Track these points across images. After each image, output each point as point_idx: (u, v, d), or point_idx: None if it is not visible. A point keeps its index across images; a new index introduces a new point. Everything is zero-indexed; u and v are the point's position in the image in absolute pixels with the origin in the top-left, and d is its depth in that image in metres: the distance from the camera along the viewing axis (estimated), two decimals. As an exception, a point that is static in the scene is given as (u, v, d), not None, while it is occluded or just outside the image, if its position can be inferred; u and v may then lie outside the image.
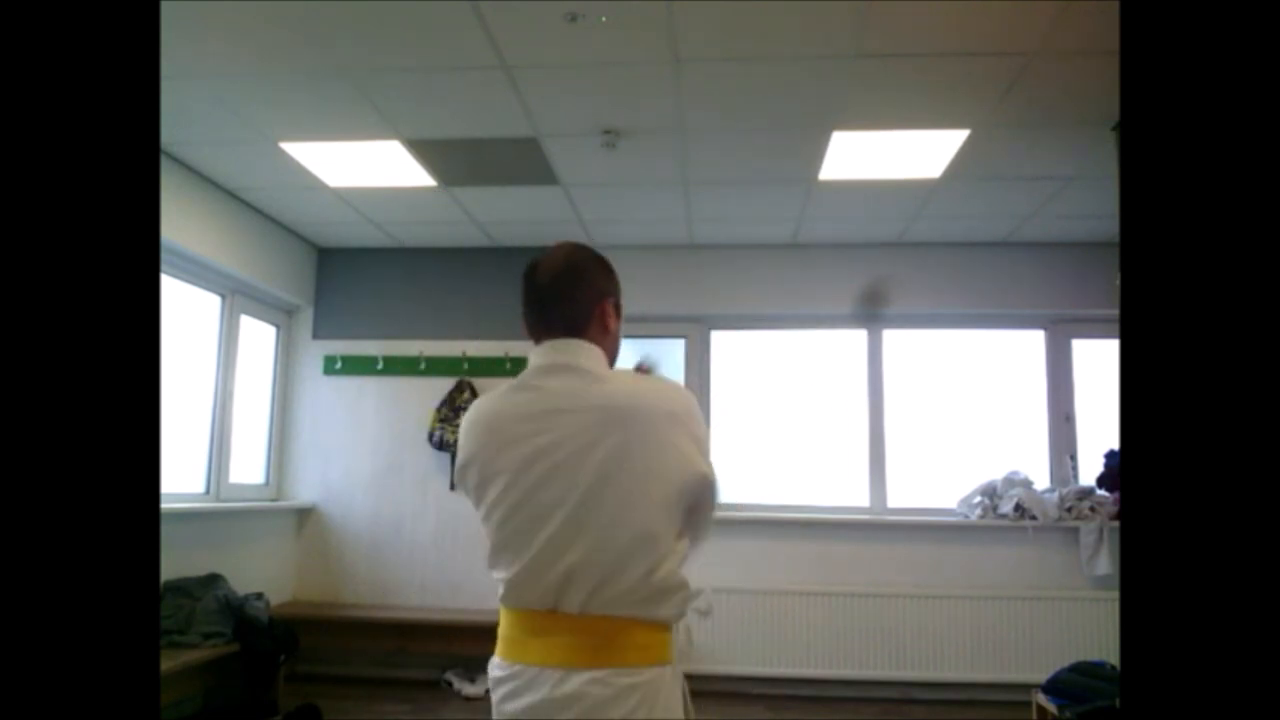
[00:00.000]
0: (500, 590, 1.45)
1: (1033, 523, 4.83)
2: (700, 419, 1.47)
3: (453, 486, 5.20)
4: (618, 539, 1.36)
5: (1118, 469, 4.88)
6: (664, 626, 1.41)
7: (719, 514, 2.07)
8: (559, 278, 1.50)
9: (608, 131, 3.70)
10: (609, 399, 1.40)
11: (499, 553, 1.45)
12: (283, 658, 4.25)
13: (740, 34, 2.93)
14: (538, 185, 4.38)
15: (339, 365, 5.42)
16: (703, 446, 1.45)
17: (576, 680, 1.34)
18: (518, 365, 5.26)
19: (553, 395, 1.42)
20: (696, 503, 1.44)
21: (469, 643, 4.86)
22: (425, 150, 3.96)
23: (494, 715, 1.45)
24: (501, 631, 1.47)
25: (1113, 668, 3.83)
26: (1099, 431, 5.12)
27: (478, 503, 1.47)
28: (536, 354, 1.49)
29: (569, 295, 1.49)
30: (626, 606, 1.37)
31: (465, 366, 5.32)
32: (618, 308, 1.56)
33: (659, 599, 1.39)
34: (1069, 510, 4.86)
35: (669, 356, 5.44)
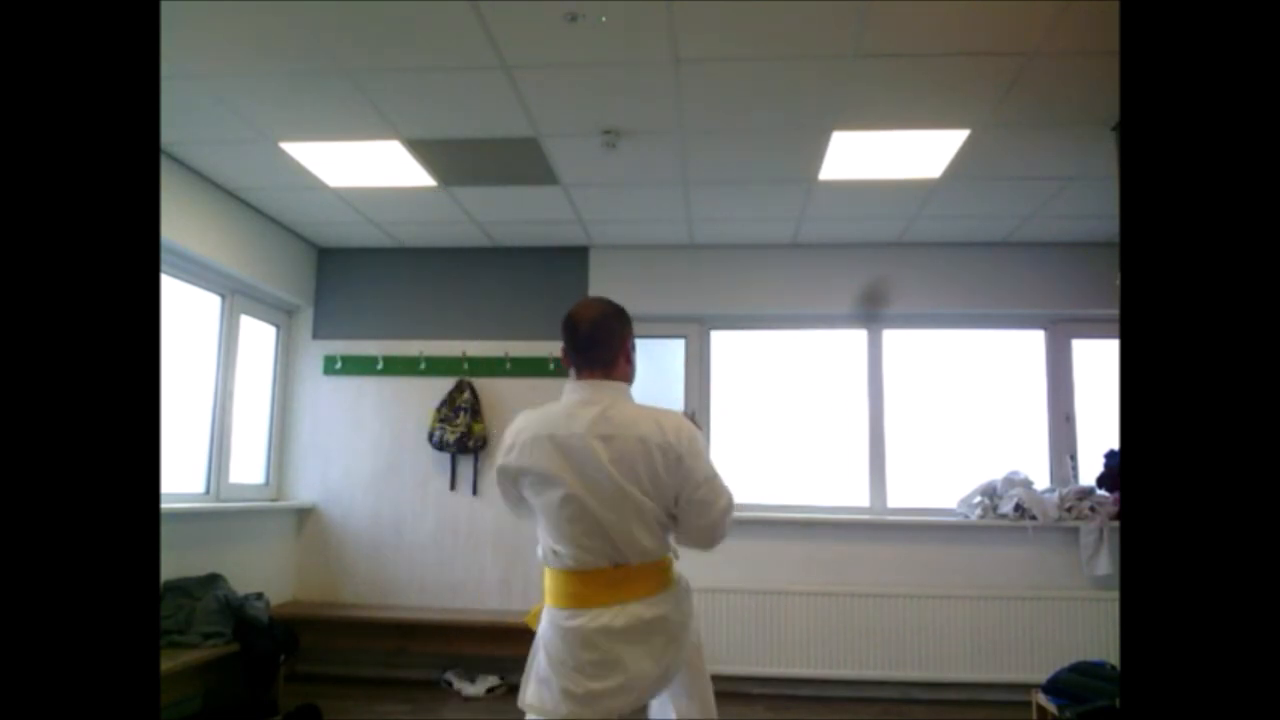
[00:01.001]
0: (549, 558, 2.07)
1: (1033, 523, 4.83)
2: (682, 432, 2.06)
3: (454, 486, 5.23)
4: (627, 521, 2.03)
5: (1118, 469, 4.88)
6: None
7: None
8: (595, 329, 2.08)
9: (608, 131, 3.70)
10: (618, 425, 2.00)
11: (549, 534, 2.07)
12: (283, 658, 4.25)
13: (740, 34, 2.93)
14: (538, 185, 4.38)
15: (339, 365, 5.42)
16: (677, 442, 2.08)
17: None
18: (518, 365, 5.27)
19: (573, 426, 2.00)
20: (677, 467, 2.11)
21: (469, 643, 4.86)
22: (425, 150, 3.96)
23: (561, 645, 2.00)
24: (552, 587, 2.06)
25: (1113, 668, 3.83)
26: (1099, 431, 5.12)
27: (524, 500, 2.09)
28: (578, 388, 2.07)
29: (603, 342, 2.08)
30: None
31: (465, 366, 5.32)
32: (632, 346, 2.16)
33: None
34: (1069, 510, 4.86)
35: (669, 357, 5.44)
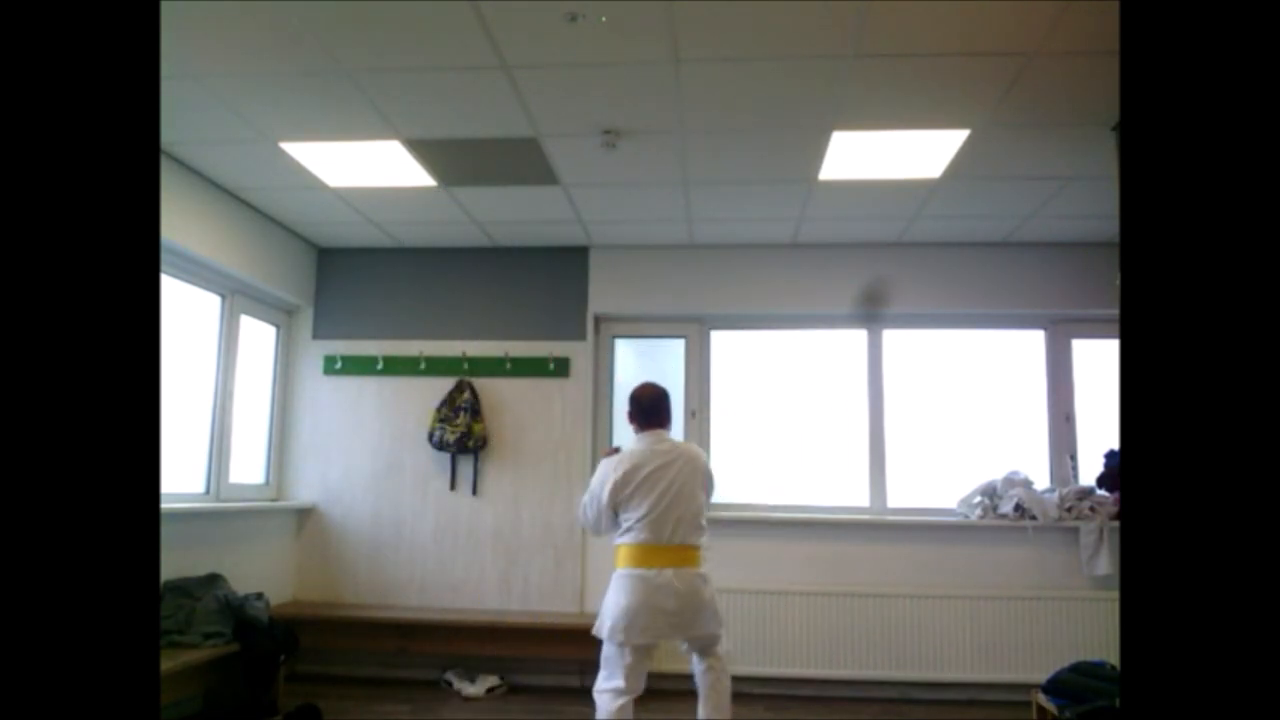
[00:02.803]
0: (632, 536, 3.21)
1: (1033, 523, 4.83)
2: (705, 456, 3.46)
3: (454, 486, 5.23)
4: (691, 509, 3.24)
5: (1118, 469, 4.88)
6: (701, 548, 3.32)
7: (721, 514, 3.63)
8: (653, 403, 3.40)
9: (608, 131, 3.70)
10: (679, 453, 3.30)
11: (637, 521, 3.21)
12: (283, 658, 4.25)
13: (740, 34, 2.93)
14: (538, 185, 4.38)
15: (339, 365, 5.42)
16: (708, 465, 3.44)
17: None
18: (517, 365, 5.28)
19: (661, 453, 3.28)
20: (709, 484, 3.42)
21: (469, 643, 4.86)
22: (425, 150, 3.96)
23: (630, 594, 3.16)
24: (630, 554, 3.21)
25: (1113, 668, 3.83)
26: (1099, 431, 5.12)
27: (620, 501, 3.24)
28: (642, 439, 3.35)
29: (659, 411, 3.40)
30: (694, 538, 3.27)
31: (465, 366, 5.32)
32: (670, 409, 3.47)
33: (701, 535, 3.30)
34: (1069, 510, 4.86)
35: (669, 357, 5.45)
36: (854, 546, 5.00)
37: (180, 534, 4.24)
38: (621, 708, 3.11)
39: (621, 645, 3.13)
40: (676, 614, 3.15)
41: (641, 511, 3.17)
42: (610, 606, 3.19)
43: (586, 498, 3.34)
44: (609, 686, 3.15)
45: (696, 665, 3.39)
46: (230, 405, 4.89)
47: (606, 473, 3.26)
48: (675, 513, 3.18)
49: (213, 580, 4.27)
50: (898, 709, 4.66)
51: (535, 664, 5.02)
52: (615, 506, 3.24)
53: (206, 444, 4.74)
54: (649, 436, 3.32)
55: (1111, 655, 4.39)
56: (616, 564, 3.27)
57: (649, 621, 3.11)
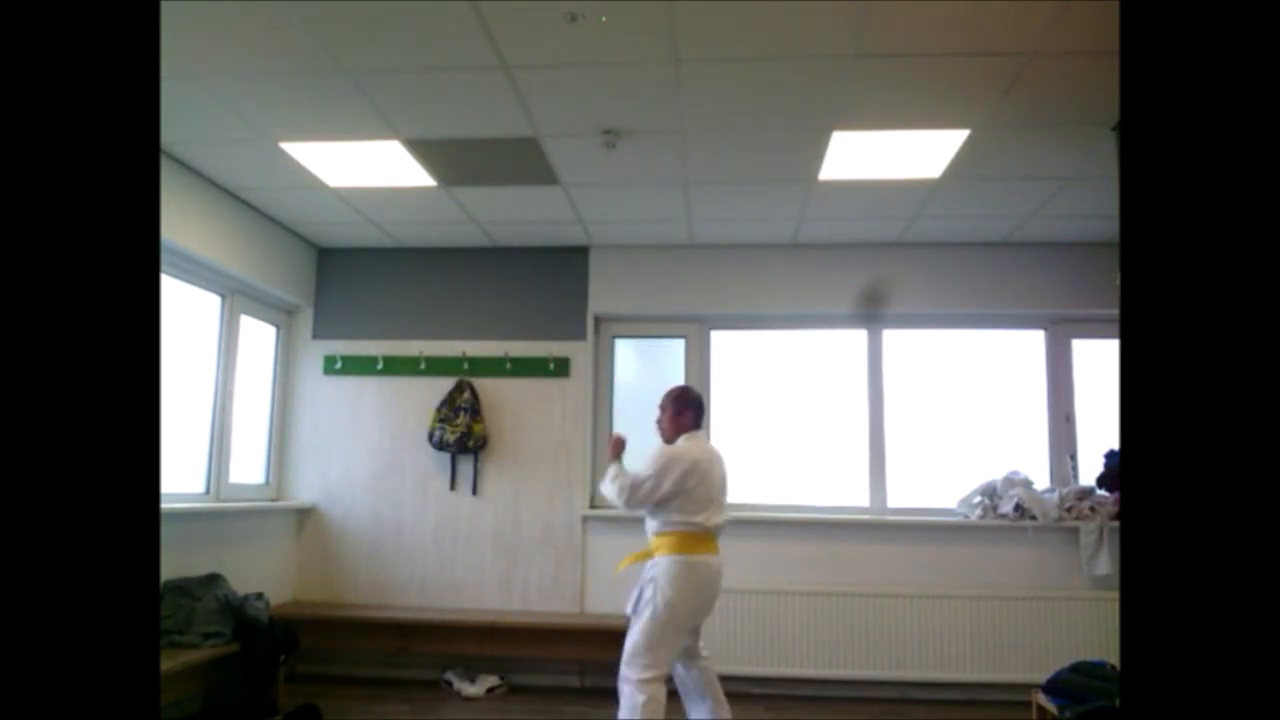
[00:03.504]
0: (691, 526, 3.40)
1: (1033, 523, 4.83)
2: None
3: (454, 486, 5.23)
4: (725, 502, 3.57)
5: (1118, 469, 4.88)
6: None
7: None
8: (702, 405, 3.68)
9: (608, 131, 3.70)
10: (716, 454, 3.62)
11: (700, 510, 3.42)
12: (283, 658, 4.25)
13: (740, 34, 2.93)
14: (538, 185, 4.38)
15: (339, 365, 5.42)
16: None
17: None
18: (518, 365, 5.28)
19: (710, 452, 3.58)
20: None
21: (469, 643, 4.86)
22: (425, 150, 3.96)
23: (691, 582, 3.38)
24: (690, 543, 3.40)
25: (1113, 668, 3.82)
26: (1099, 431, 5.12)
27: (684, 491, 3.40)
28: (692, 437, 3.60)
29: (701, 412, 3.68)
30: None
31: (465, 366, 5.32)
32: None
33: None
34: (1069, 510, 4.86)
35: (669, 356, 5.45)
36: (854, 546, 5.00)
37: (180, 534, 4.24)
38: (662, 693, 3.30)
39: (680, 627, 3.36)
40: (716, 594, 3.50)
41: (702, 504, 3.41)
42: (679, 590, 3.31)
43: (645, 476, 3.40)
44: (656, 675, 3.28)
45: (684, 668, 3.58)
46: (230, 405, 4.89)
47: (670, 461, 3.40)
48: (721, 505, 3.52)
49: (213, 580, 4.27)
50: (898, 709, 4.66)
51: (535, 664, 5.02)
52: (671, 495, 3.37)
53: (206, 444, 4.74)
54: (695, 436, 3.59)
55: (1111, 655, 4.38)
56: (674, 550, 3.37)
57: (709, 601, 3.47)
